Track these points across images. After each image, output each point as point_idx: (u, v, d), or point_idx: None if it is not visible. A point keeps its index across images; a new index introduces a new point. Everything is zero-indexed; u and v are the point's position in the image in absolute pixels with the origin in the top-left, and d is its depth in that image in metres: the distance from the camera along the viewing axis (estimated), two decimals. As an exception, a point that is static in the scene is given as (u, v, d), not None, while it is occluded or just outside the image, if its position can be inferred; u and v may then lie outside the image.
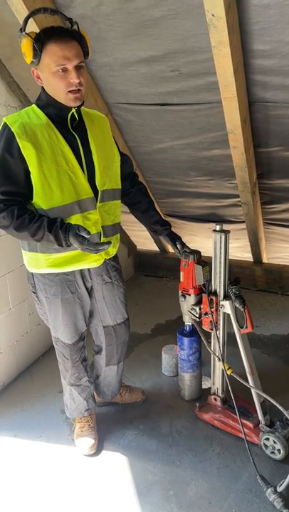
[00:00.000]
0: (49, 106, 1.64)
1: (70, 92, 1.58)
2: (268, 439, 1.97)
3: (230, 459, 2.01)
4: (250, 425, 2.06)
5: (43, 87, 1.65)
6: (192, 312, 2.15)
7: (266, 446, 1.99)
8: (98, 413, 2.27)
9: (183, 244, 2.03)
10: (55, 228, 1.57)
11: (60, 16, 1.63)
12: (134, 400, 2.35)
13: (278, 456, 1.95)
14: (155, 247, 4.06)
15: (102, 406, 2.35)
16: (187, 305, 2.15)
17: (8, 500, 1.86)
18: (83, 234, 1.55)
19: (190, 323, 2.25)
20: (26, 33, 1.52)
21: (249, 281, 3.68)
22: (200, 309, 2.11)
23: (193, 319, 2.17)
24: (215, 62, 1.88)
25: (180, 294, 2.16)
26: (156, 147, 2.79)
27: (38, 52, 1.52)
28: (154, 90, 2.31)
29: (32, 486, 1.92)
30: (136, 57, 2.11)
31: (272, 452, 1.97)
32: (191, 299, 2.13)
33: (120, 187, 1.88)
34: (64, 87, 1.57)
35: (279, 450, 1.94)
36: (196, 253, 2.08)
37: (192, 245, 2.10)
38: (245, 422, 2.05)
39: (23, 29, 1.53)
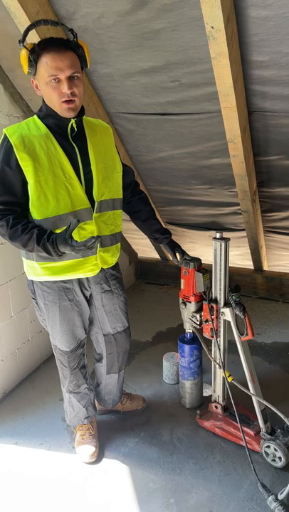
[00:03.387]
0: (49, 116, 1.67)
1: (63, 102, 1.60)
2: (269, 446, 1.97)
3: (232, 467, 2.01)
4: (251, 433, 2.06)
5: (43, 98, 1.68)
6: (193, 319, 2.16)
7: (267, 454, 1.99)
8: (99, 421, 2.27)
9: (183, 252, 2.05)
10: (43, 241, 1.59)
11: (62, 26, 1.66)
12: (135, 408, 2.34)
13: (279, 464, 1.95)
14: (156, 255, 4.08)
15: (103, 414, 2.35)
16: (188, 312, 2.17)
17: (10, 507, 1.86)
18: (72, 241, 1.56)
19: (191, 331, 2.26)
20: (23, 45, 1.55)
21: (250, 288, 3.69)
22: (201, 316, 2.12)
23: (194, 326, 2.18)
24: (214, 72, 1.91)
25: (181, 301, 2.17)
26: (156, 156, 2.82)
27: (33, 63, 1.56)
28: (155, 100, 2.34)
29: (33, 494, 1.92)
30: (137, 68, 2.15)
31: (274, 460, 1.97)
32: (192, 307, 2.14)
33: (121, 197, 1.89)
34: (57, 97, 1.59)
35: (280, 458, 1.94)
36: (197, 261, 2.09)
37: (193, 253, 2.12)
38: (246, 429, 2.05)
39: (22, 41, 1.56)
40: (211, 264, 2.06)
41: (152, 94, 2.30)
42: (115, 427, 2.28)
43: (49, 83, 1.57)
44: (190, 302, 2.13)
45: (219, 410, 2.21)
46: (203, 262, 2.13)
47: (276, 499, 1.77)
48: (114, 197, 1.83)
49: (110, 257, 1.87)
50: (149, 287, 4.08)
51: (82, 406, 2.11)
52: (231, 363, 2.18)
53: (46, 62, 1.55)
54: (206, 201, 3.12)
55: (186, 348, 2.29)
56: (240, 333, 2.01)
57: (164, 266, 4.06)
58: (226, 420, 2.18)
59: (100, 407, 2.34)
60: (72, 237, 1.54)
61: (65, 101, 1.59)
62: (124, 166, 1.94)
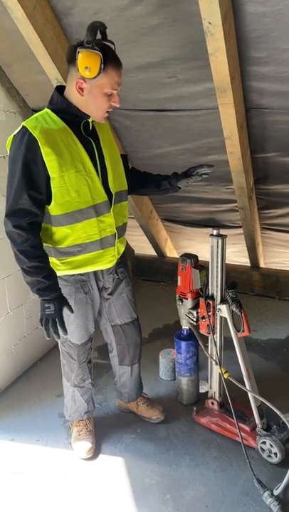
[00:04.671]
0: (66, 111, 1.67)
1: (106, 112, 1.68)
2: (264, 442, 1.98)
3: (227, 463, 2.02)
4: (247, 429, 2.07)
5: (56, 91, 1.69)
6: (189, 316, 2.16)
7: (263, 450, 2.00)
8: (96, 417, 2.27)
9: (195, 168, 1.96)
10: (52, 285, 1.67)
11: (107, 40, 1.62)
12: (150, 416, 2.25)
13: (275, 460, 1.96)
14: (153, 252, 4.07)
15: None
16: (184, 309, 2.17)
17: (6, 503, 1.86)
18: (67, 310, 1.71)
19: (187, 327, 2.26)
20: (97, 49, 1.53)
21: (246, 285, 3.69)
22: (197, 313, 2.13)
23: (191, 323, 2.19)
24: (212, 69, 1.91)
25: (177, 298, 2.18)
26: (154, 152, 2.81)
27: (101, 72, 1.56)
28: (152, 96, 2.34)
29: (29, 490, 1.92)
30: (134, 64, 2.14)
31: (269, 456, 1.98)
32: (189, 303, 2.14)
33: (126, 188, 1.92)
34: (104, 107, 1.66)
35: (276, 454, 1.95)
36: (194, 257, 2.10)
37: (190, 250, 2.12)
38: (242, 425, 2.06)
39: (93, 44, 1.53)
40: (208, 261, 2.06)
41: (149, 90, 2.29)
42: (112, 423, 2.28)
43: (105, 94, 1.62)
44: (187, 299, 2.14)
45: (215, 406, 2.22)
46: (200, 259, 2.13)
47: (272, 495, 1.78)
48: (122, 189, 1.86)
49: (122, 246, 1.91)
50: (146, 284, 4.07)
51: (84, 400, 2.11)
52: (228, 360, 2.19)
53: (112, 75, 1.59)
54: (203, 198, 3.12)
55: (183, 344, 2.30)
56: (237, 330, 2.02)
57: (160, 263, 4.06)
58: (222, 416, 2.18)
59: (118, 401, 2.34)
60: (61, 318, 1.69)
61: (107, 111, 1.68)
62: (121, 156, 1.96)
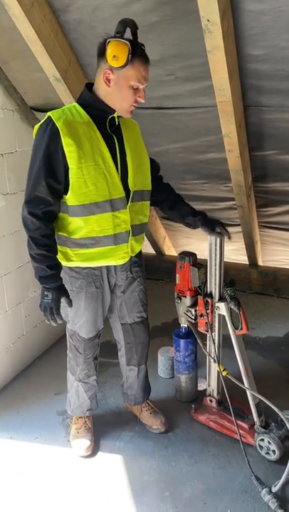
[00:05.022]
0: (92, 106, 1.70)
1: (131, 106, 1.70)
2: (262, 439, 1.99)
3: (226, 460, 2.02)
4: (246, 426, 2.07)
5: (86, 88, 1.74)
6: (188, 314, 2.16)
7: (261, 447, 2.00)
8: (95, 414, 2.27)
9: (224, 227, 2.00)
10: (54, 275, 1.71)
11: (137, 41, 1.66)
12: (151, 425, 2.20)
13: (273, 457, 1.97)
14: (151, 250, 4.07)
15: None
16: (183, 307, 2.17)
17: (5, 501, 1.86)
18: (65, 302, 1.74)
19: (186, 325, 2.27)
20: (126, 40, 1.57)
21: (245, 283, 3.70)
22: (195, 311, 2.13)
23: (189, 321, 2.19)
24: (210, 66, 1.90)
25: (176, 296, 2.18)
26: (152, 150, 2.79)
27: (128, 62, 1.59)
28: (151, 94, 2.32)
29: (28, 488, 1.92)
30: (132, 62, 2.13)
31: (267, 453, 1.99)
32: (187, 301, 2.14)
33: (150, 189, 1.93)
34: (129, 101, 1.68)
35: (274, 451, 1.96)
36: (192, 255, 2.10)
37: (188, 248, 2.12)
38: (240, 423, 2.07)
39: (122, 34, 1.58)
40: (206, 259, 2.06)
41: (148, 87, 2.27)
42: (110, 420, 2.29)
43: (131, 87, 1.65)
44: (185, 297, 2.14)
45: (214, 404, 2.23)
46: (198, 257, 2.13)
47: (270, 492, 1.79)
48: (143, 188, 1.87)
49: (138, 245, 1.92)
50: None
51: (88, 397, 2.11)
52: (226, 357, 2.19)
53: (139, 68, 1.62)
54: (201, 196, 3.12)
55: (181, 342, 2.30)
56: (235, 328, 2.02)
57: (159, 261, 4.06)
58: (220, 414, 2.19)
59: (126, 404, 2.34)
60: (58, 307, 1.74)
61: (132, 105, 1.70)
62: (151, 160, 1.98)
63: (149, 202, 1.93)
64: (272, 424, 2.04)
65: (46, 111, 2.59)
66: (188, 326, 2.26)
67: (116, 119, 1.74)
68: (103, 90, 1.68)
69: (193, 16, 1.77)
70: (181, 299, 2.16)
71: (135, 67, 1.61)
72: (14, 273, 2.59)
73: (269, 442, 1.96)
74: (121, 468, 2.01)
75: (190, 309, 2.14)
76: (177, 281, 2.15)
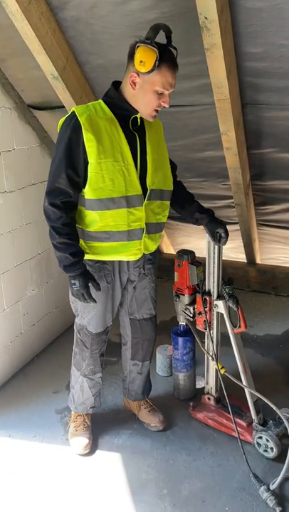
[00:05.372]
0: (117, 105, 1.74)
1: (154, 110, 1.72)
2: (261, 437, 1.99)
3: (224, 458, 2.03)
4: (244, 424, 2.08)
5: (113, 86, 1.76)
6: (186, 312, 2.17)
7: (259, 445, 2.01)
8: (93, 413, 2.27)
9: (226, 235, 2.01)
10: (77, 262, 1.73)
11: (171, 45, 1.67)
12: (149, 423, 2.21)
13: (271, 455, 1.97)
14: (150, 248, 4.07)
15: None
16: (181, 305, 2.17)
17: (3, 499, 1.86)
18: (92, 286, 1.77)
19: (184, 323, 2.26)
20: (154, 45, 1.58)
21: (243, 281, 3.70)
22: (194, 309, 2.13)
23: (187, 319, 2.19)
24: (208, 64, 1.90)
25: (174, 294, 2.18)
26: (150, 148, 2.80)
27: (155, 68, 1.60)
28: (148, 92, 2.32)
29: (27, 486, 1.93)
30: (130, 59, 2.13)
31: (265, 451, 1.99)
32: (185, 299, 2.14)
33: (171, 189, 1.94)
34: (153, 105, 1.70)
35: (272, 448, 1.96)
36: (190, 253, 2.10)
37: (187, 246, 2.12)
38: (238, 420, 2.07)
39: (152, 40, 1.58)
40: (205, 257, 2.06)
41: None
42: (109, 418, 2.29)
43: (156, 92, 1.67)
44: (183, 295, 2.14)
45: (212, 402, 2.23)
46: (196, 255, 2.13)
47: (268, 489, 1.79)
48: (163, 188, 1.88)
49: (152, 244, 1.92)
50: (143, 280, 4.07)
51: (92, 394, 2.12)
52: (224, 356, 2.19)
53: (166, 74, 1.64)
54: (200, 194, 3.10)
55: (180, 340, 2.30)
56: (233, 325, 2.02)
57: (157, 259, 4.06)
58: (218, 412, 2.19)
59: (125, 403, 2.34)
60: (88, 292, 1.76)
61: (156, 110, 1.72)
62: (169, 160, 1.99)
63: (169, 202, 1.95)
64: (270, 421, 2.05)
65: (44, 109, 2.62)
66: (186, 324, 2.26)
67: (138, 119, 1.77)
68: (128, 92, 1.72)
69: (191, 14, 1.77)
70: (179, 297, 2.16)
71: (162, 72, 1.63)
72: (12, 271, 2.58)
73: (267, 440, 1.97)
74: (119, 467, 2.01)
75: (188, 307, 2.14)
76: (176, 280, 2.15)
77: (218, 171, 2.78)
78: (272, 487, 1.81)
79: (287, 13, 1.69)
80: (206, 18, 1.67)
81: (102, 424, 2.24)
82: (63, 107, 2.44)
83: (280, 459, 1.93)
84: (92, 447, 2.10)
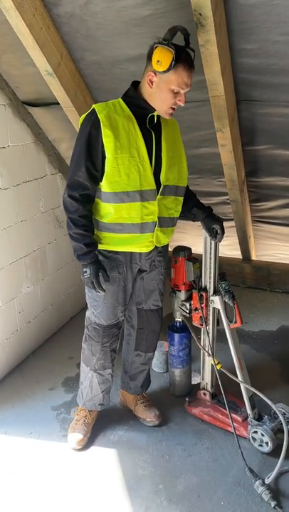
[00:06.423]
0: (135, 104, 1.80)
1: (170, 108, 1.78)
2: (256, 432, 2.01)
3: (219, 453, 2.04)
4: (239, 419, 2.09)
5: (132, 86, 1.83)
6: (182, 308, 2.17)
7: (254, 440, 2.02)
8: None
9: (222, 232, 2.03)
10: (90, 251, 1.80)
11: (189, 47, 1.71)
12: (145, 418, 2.22)
13: (266, 449, 1.98)
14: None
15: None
16: (177, 301, 2.18)
17: (0, 496, 1.87)
18: (102, 275, 1.82)
19: (180, 319, 2.27)
20: (171, 46, 1.64)
21: (238, 278, 3.71)
22: (190, 305, 2.14)
23: (184, 315, 2.20)
24: (203, 60, 1.90)
25: (170, 290, 2.18)
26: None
27: (171, 68, 1.66)
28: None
29: (23, 483, 1.93)
30: (125, 56, 2.12)
31: (261, 445, 2.01)
32: (182, 295, 2.15)
33: (185, 185, 2.00)
34: (169, 103, 1.76)
35: (267, 443, 1.98)
36: (187, 250, 2.10)
37: (183, 243, 2.12)
38: (234, 416, 2.08)
39: (170, 41, 1.65)
40: (201, 254, 2.06)
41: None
42: (105, 414, 2.29)
43: (171, 91, 1.73)
44: (180, 291, 2.15)
45: (207, 397, 2.24)
46: (193, 251, 2.14)
47: (263, 483, 1.81)
48: (177, 184, 1.93)
49: (164, 237, 1.95)
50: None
51: (101, 390, 2.12)
52: (220, 351, 2.20)
53: (182, 74, 1.69)
54: (195, 191, 3.08)
55: (176, 336, 2.31)
56: (229, 321, 2.03)
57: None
58: (214, 407, 2.20)
59: (121, 398, 2.35)
60: (98, 281, 1.81)
61: (172, 108, 1.78)
62: None
63: (182, 198, 1.99)
64: (266, 416, 2.06)
65: (38, 105, 2.61)
66: (182, 320, 2.27)
67: (155, 117, 1.82)
68: (146, 90, 1.78)
69: (185, 10, 1.77)
70: (175, 293, 2.17)
71: (178, 72, 1.68)
72: (8, 269, 2.58)
73: (262, 434, 1.98)
74: (115, 462, 2.02)
75: (184, 303, 2.15)
76: (172, 276, 2.16)
77: (213, 168, 2.79)
78: (267, 481, 1.82)
79: (282, 9, 1.70)
80: (200, 14, 1.68)
81: (98, 420, 2.24)
82: (58, 103, 2.43)
83: (275, 453, 1.95)
84: (88, 443, 2.10)
